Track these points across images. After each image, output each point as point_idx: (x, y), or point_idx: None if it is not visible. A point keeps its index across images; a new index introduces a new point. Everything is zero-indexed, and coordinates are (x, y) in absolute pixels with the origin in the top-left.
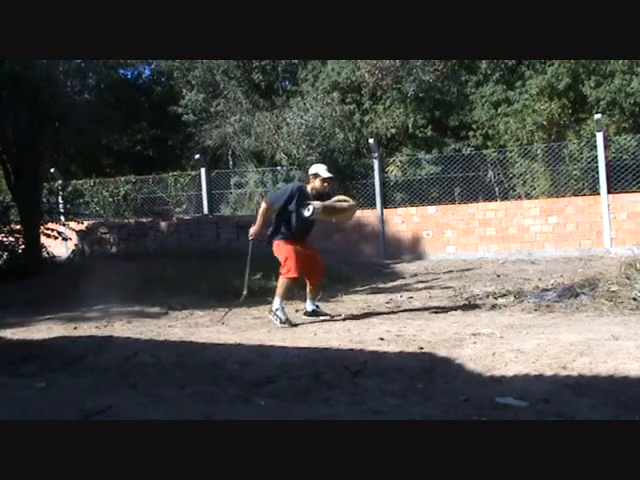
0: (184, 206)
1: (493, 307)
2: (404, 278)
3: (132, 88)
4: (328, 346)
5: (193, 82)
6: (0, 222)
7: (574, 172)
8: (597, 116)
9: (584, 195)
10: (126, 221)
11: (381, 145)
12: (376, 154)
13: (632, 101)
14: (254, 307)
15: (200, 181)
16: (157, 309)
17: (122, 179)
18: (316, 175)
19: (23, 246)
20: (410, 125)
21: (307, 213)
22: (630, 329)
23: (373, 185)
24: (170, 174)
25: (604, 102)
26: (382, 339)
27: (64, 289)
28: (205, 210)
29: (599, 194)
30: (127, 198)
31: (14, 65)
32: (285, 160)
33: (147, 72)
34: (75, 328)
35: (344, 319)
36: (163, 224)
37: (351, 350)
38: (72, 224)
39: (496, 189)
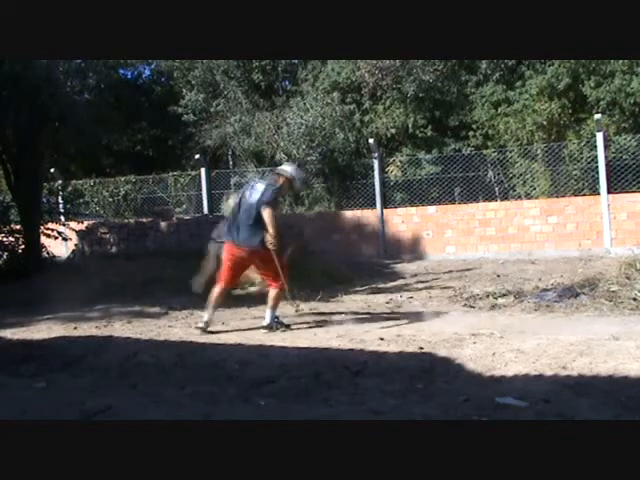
0: (184, 206)
1: (493, 307)
2: (404, 278)
3: (132, 88)
4: (328, 346)
5: (193, 82)
6: (0, 222)
7: (574, 172)
8: (597, 116)
9: (584, 195)
10: (126, 221)
11: (381, 145)
12: (376, 154)
13: (632, 101)
14: (254, 307)
15: (200, 181)
16: (157, 309)
17: (122, 179)
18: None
19: (23, 246)
20: (410, 125)
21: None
22: (630, 329)
23: (373, 185)
24: (170, 174)
25: (604, 102)
26: (382, 339)
27: (64, 289)
28: (205, 210)
29: (599, 194)
30: (127, 198)
31: (14, 65)
32: (285, 160)
33: (147, 72)
34: (75, 328)
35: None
36: (163, 224)
37: (351, 350)
38: (72, 224)
39: (496, 189)
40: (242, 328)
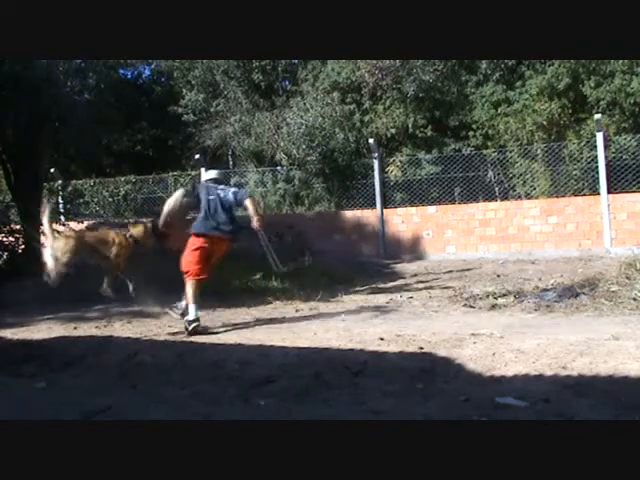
0: None
1: (493, 307)
2: (404, 278)
3: (132, 88)
4: (328, 346)
5: (193, 82)
6: (0, 222)
7: (574, 172)
8: (597, 116)
9: (584, 195)
10: (126, 221)
11: (381, 145)
12: (376, 154)
13: (632, 101)
14: (254, 307)
15: (200, 181)
16: (157, 309)
17: (122, 179)
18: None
19: (23, 246)
20: (410, 125)
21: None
22: (630, 329)
23: (373, 185)
24: (170, 174)
25: (604, 102)
26: (382, 339)
27: (64, 289)
28: None
29: (599, 194)
30: (127, 198)
31: (14, 65)
32: (285, 160)
33: (147, 72)
34: (75, 328)
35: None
36: None
37: (351, 350)
38: (72, 224)
39: (496, 189)
40: (242, 328)
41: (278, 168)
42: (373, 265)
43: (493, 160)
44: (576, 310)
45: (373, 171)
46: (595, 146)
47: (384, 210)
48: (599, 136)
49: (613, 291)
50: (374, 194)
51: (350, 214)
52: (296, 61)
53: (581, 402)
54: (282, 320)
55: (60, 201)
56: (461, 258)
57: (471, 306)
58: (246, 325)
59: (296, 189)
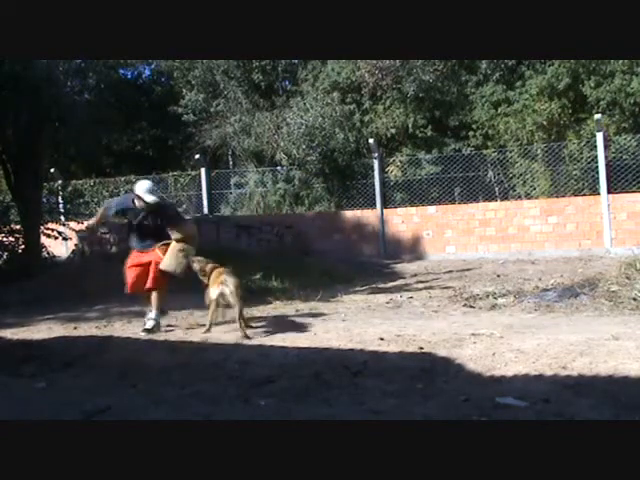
0: (184, 206)
1: (493, 307)
2: (404, 278)
3: (132, 88)
4: (328, 346)
5: (193, 82)
6: (0, 222)
7: (574, 172)
8: (597, 116)
9: (584, 195)
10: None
11: (381, 145)
12: (376, 154)
13: (632, 101)
14: (254, 307)
15: (200, 181)
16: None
17: (122, 179)
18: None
19: (23, 246)
20: (410, 125)
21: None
22: (630, 329)
23: (373, 185)
24: (170, 174)
25: (604, 102)
26: (382, 339)
27: (64, 289)
28: (205, 210)
29: (599, 194)
30: None
31: (14, 65)
32: (285, 160)
33: (147, 72)
34: (75, 328)
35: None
36: None
37: (351, 350)
38: (72, 224)
39: (496, 189)
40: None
41: (278, 168)
42: (373, 265)
43: (493, 160)
44: (576, 310)
45: (373, 171)
46: (595, 146)
47: (384, 210)
48: (599, 136)
49: (613, 291)
50: (374, 194)
51: (350, 214)
52: (296, 61)
53: (581, 402)
54: (282, 320)
55: (60, 201)
56: (461, 258)
57: (471, 306)
58: (246, 325)
59: (296, 189)
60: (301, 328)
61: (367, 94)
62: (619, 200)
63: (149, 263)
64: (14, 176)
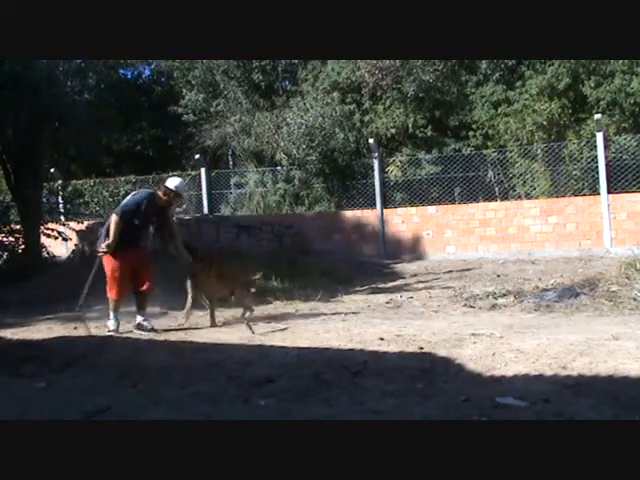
0: (184, 206)
1: (493, 307)
2: (404, 278)
3: (132, 88)
4: (328, 346)
5: (193, 82)
6: (0, 222)
7: (574, 172)
8: (597, 116)
9: (584, 195)
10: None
11: (381, 145)
12: (376, 154)
13: (632, 101)
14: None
15: (200, 181)
16: (157, 309)
17: (122, 179)
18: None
19: (23, 246)
20: (410, 125)
21: None
22: (630, 329)
23: (373, 185)
24: (170, 174)
25: (604, 102)
26: (382, 339)
27: (64, 289)
28: (205, 210)
29: (599, 194)
30: None
31: (14, 65)
32: (285, 160)
33: (147, 72)
34: (75, 328)
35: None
36: None
37: (351, 350)
38: (72, 224)
39: (496, 189)
40: (242, 328)
41: (278, 168)
42: (373, 265)
43: (493, 160)
44: (576, 310)
45: (373, 171)
46: (595, 146)
47: (384, 210)
48: (599, 136)
49: (613, 291)
50: (374, 194)
51: (350, 214)
52: (296, 61)
53: (581, 402)
54: (282, 320)
55: (60, 201)
56: (461, 258)
57: (471, 306)
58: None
59: (296, 189)
60: (301, 328)
61: (367, 94)
62: (619, 200)
63: (141, 265)
64: (14, 176)
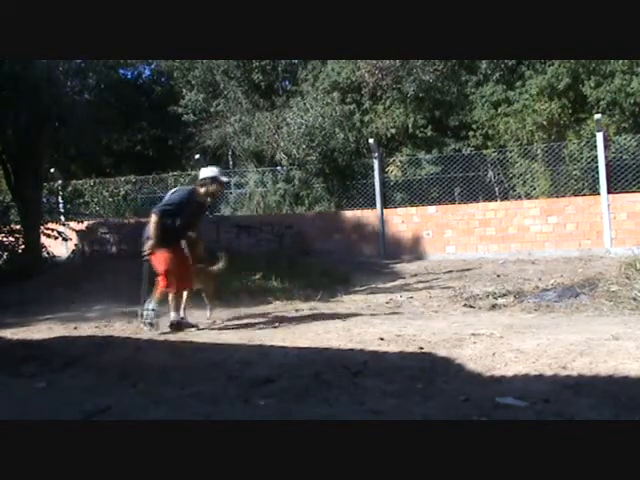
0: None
1: (493, 307)
2: (404, 278)
3: (132, 88)
4: (328, 346)
5: (193, 82)
6: (0, 222)
7: (574, 172)
8: (597, 116)
9: (584, 195)
10: (126, 221)
11: (381, 145)
12: (376, 154)
13: (632, 101)
14: (254, 307)
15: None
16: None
17: (122, 179)
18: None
19: (23, 246)
20: (410, 125)
21: None
22: (630, 329)
23: (373, 185)
24: (170, 174)
25: (604, 102)
26: (382, 339)
27: (64, 289)
28: None
29: (599, 194)
30: (127, 198)
31: (14, 65)
32: (285, 160)
33: (147, 72)
34: (75, 328)
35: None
36: None
37: (351, 350)
38: (72, 224)
39: (496, 189)
40: (242, 328)
41: (278, 168)
42: (373, 265)
43: (493, 160)
44: (576, 310)
45: (373, 171)
46: (595, 146)
47: (384, 210)
48: (599, 136)
49: (613, 291)
50: (374, 194)
51: (350, 214)
52: (296, 61)
53: (581, 402)
54: (282, 320)
55: (60, 201)
56: (461, 258)
57: (471, 306)
58: (246, 325)
59: (296, 189)
60: (301, 328)
61: (367, 94)
62: (619, 200)
63: (186, 260)
64: (14, 176)
